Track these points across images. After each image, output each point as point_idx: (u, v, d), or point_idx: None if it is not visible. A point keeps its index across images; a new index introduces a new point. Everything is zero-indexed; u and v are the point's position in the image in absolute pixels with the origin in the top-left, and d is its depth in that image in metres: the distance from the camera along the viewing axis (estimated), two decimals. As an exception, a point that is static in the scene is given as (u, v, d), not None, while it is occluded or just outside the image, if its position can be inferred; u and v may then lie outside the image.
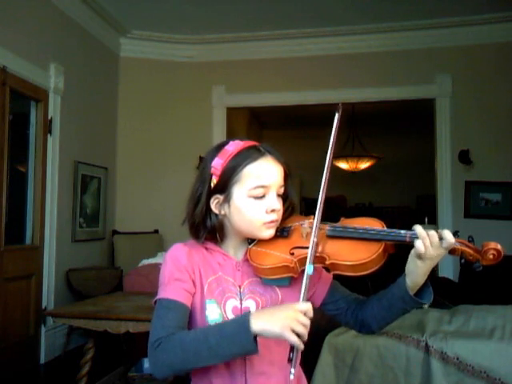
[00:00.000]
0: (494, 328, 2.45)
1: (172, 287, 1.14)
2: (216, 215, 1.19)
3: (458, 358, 2.32)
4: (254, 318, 1.02)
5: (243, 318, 1.04)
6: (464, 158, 5.07)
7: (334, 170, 8.53)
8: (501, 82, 5.10)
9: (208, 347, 1.04)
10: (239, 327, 1.03)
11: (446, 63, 5.25)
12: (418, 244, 1.06)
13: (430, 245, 1.06)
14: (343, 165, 8.24)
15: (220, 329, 1.07)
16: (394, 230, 1.12)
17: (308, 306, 1.03)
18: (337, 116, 1.18)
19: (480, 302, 2.86)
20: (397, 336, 2.45)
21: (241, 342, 1.02)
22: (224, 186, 1.17)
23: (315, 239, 1.11)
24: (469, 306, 2.77)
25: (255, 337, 1.02)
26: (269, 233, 1.19)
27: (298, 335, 1.00)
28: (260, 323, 1.01)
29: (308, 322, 1.01)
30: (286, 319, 1.00)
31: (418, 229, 1.07)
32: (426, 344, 2.40)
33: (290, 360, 1.03)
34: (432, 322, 2.55)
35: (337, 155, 8.09)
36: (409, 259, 1.11)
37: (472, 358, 2.31)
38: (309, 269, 1.09)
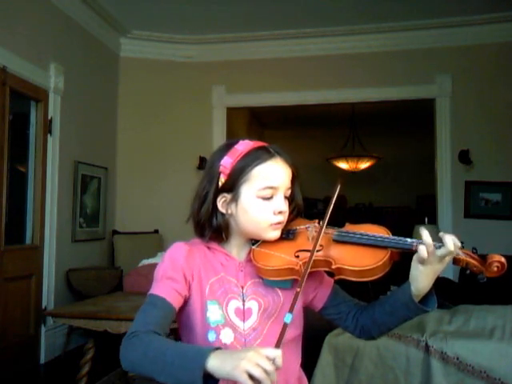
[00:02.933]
0: (494, 328, 2.45)
1: (163, 285, 1.13)
2: (222, 214, 1.19)
3: (458, 358, 2.33)
4: (214, 354, 0.94)
5: (205, 350, 0.97)
6: (464, 158, 5.07)
7: (334, 169, 8.54)
8: (501, 82, 5.09)
9: (163, 362, 0.99)
10: (196, 356, 0.96)
11: (446, 63, 5.25)
12: (422, 249, 1.06)
13: (432, 252, 1.05)
14: (343, 165, 8.24)
15: (181, 349, 1.01)
16: (400, 237, 1.12)
17: (277, 353, 0.94)
18: (337, 189, 1.18)
19: (480, 301, 2.86)
20: (397, 336, 2.45)
21: (190, 371, 0.95)
22: (232, 185, 1.16)
23: (300, 289, 1.07)
24: (469, 306, 2.77)
25: (210, 376, 0.94)
26: (275, 234, 1.18)
27: (255, 380, 0.90)
28: (216, 360, 0.93)
29: (272, 369, 0.91)
30: (242, 359, 0.91)
31: (426, 237, 1.06)
32: (426, 344, 2.40)
33: None
34: (432, 322, 2.55)
35: (337, 155, 8.10)
36: (412, 265, 1.11)
37: (472, 358, 2.31)
38: (287, 317, 1.03)
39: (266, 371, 0.90)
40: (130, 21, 5.24)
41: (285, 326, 1.03)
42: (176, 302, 1.13)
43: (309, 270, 1.13)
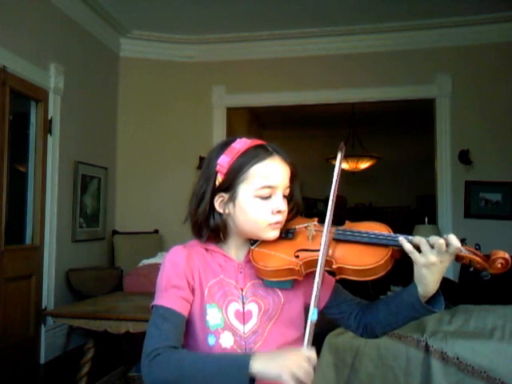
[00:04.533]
0: (494, 328, 2.45)
1: (169, 294, 1.12)
2: (219, 214, 1.16)
3: (457, 358, 2.33)
4: (255, 359, 0.99)
5: (244, 358, 1.01)
6: (464, 158, 5.07)
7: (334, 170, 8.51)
8: (501, 82, 5.09)
9: (203, 376, 1.01)
10: (238, 365, 1.00)
11: (445, 63, 5.25)
12: (426, 253, 1.05)
13: (429, 249, 1.05)
14: (343, 165, 8.22)
15: (219, 361, 1.04)
16: (401, 235, 1.10)
17: (312, 353, 1.00)
18: (339, 155, 1.17)
19: (480, 302, 2.86)
20: (397, 336, 2.45)
21: (237, 380, 0.99)
22: (229, 185, 1.14)
23: (319, 281, 1.07)
24: (469, 306, 2.77)
25: (253, 379, 0.99)
26: (273, 234, 1.16)
27: (299, 381, 0.96)
28: (260, 364, 0.98)
29: (311, 371, 0.98)
30: (287, 361, 0.97)
31: (416, 238, 1.07)
32: (426, 344, 2.40)
33: None
34: (432, 322, 2.55)
35: (337, 155, 8.07)
36: (414, 269, 1.09)
37: (472, 358, 2.31)
38: (313, 314, 1.04)
39: (307, 373, 0.97)
40: (130, 21, 5.24)
41: (311, 324, 1.04)
42: (185, 310, 1.12)
43: (309, 271, 1.12)
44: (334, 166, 1.19)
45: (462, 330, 2.49)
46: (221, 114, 5.72)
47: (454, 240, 1.04)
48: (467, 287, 3.82)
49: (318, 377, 2.50)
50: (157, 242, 5.40)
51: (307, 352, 1.00)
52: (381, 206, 9.93)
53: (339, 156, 1.18)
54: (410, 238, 1.08)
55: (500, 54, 5.11)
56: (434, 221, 5.27)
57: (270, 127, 9.33)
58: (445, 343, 2.37)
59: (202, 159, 5.39)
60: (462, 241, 1.07)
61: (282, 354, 1.01)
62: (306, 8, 4.87)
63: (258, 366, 0.98)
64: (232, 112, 5.99)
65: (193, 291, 1.15)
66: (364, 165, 8.31)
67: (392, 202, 9.95)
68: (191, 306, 1.14)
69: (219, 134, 5.61)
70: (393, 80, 5.37)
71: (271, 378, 0.97)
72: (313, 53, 5.49)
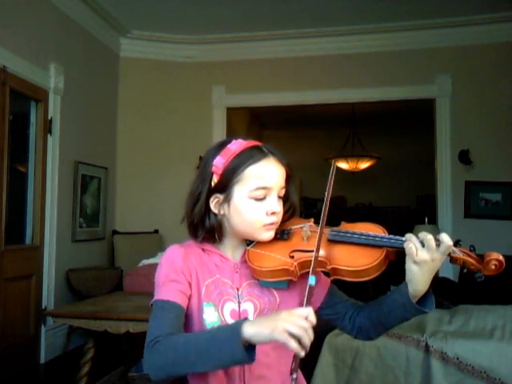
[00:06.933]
0: (494, 328, 2.45)
1: (167, 288, 1.12)
2: (215, 215, 1.17)
3: (457, 358, 2.33)
4: (246, 324, 0.97)
5: (236, 324, 1.00)
6: (464, 157, 5.07)
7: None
8: (501, 82, 5.09)
9: (197, 352, 1.00)
10: (230, 333, 0.98)
11: (446, 63, 5.25)
12: (407, 245, 1.06)
13: (420, 247, 1.05)
14: (343, 165, 8.23)
15: (212, 333, 1.04)
16: (395, 236, 1.10)
17: (308, 311, 0.98)
18: (332, 168, 1.18)
19: (480, 301, 2.86)
20: (397, 336, 2.45)
21: (231, 348, 0.97)
22: (224, 186, 1.15)
23: (316, 254, 1.09)
24: (469, 306, 2.78)
25: (250, 346, 0.97)
26: (268, 235, 1.17)
27: (297, 339, 0.94)
28: (252, 328, 0.96)
29: (307, 325, 0.95)
30: (278, 321, 0.95)
31: (407, 234, 1.08)
32: (426, 344, 2.40)
33: (291, 372, 0.99)
34: (432, 322, 2.55)
35: (337, 155, 8.10)
36: (406, 266, 1.09)
37: (472, 358, 2.31)
38: (311, 280, 1.05)
39: (303, 328, 0.94)
40: (129, 21, 5.24)
41: (310, 287, 1.04)
42: (183, 302, 1.13)
43: (304, 271, 1.12)
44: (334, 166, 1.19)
45: (462, 330, 2.50)
46: (221, 114, 5.72)
47: (446, 238, 1.04)
48: (467, 287, 3.82)
49: (318, 377, 2.50)
50: (157, 242, 5.40)
51: (304, 310, 0.98)
52: (381, 206, 9.93)
53: (332, 167, 1.18)
54: (402, 237, 1.09)
55: (500, 54, 5.11)
56: (434, 221, 5.27)
57: (270, 127, 9.33)
58: (445, 343, 2.37)
59: (202, 159, 5.39)
60: (457, 242, 1.07)
61: (274, 315, 0.99)
62: (306, 8, 4.87)
63: (249, 330, 0.96)
64: (232, 112, 5.99)
65: (190, 287, 1.15)
66: (364, 165, 8.30)
67: (392, 202, 9.95)
68: (189, 302, 1.15)
69: (219, 133, 5.61)
70: (393, 80, 5.37)
71: (265, 341, 0.96)
72: (313, 53, 5.49)
